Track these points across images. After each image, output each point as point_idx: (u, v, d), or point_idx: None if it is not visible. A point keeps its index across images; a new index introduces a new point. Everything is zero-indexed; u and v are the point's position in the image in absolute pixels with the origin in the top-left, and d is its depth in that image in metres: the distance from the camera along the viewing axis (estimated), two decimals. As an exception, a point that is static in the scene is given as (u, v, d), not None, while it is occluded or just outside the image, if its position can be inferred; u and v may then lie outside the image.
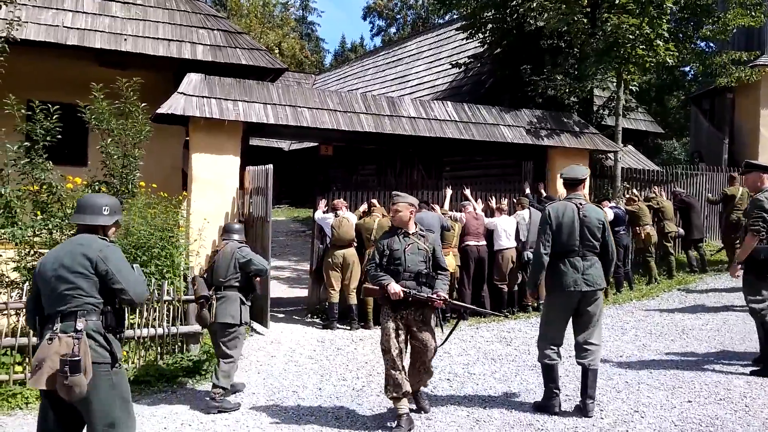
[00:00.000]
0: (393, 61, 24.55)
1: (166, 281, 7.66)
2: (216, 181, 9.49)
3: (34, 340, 5.85)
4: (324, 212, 9.73)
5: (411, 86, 20.72)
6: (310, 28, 59.23)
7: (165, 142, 10.81)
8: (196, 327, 7.19)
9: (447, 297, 5.37)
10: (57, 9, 10.90)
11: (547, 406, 5.72)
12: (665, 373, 6.78)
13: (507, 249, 9.97)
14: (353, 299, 9.22)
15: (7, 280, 7.35)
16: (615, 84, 13.57)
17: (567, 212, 5.70)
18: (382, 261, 5.37)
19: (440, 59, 20.46)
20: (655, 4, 12.06)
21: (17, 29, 8.57)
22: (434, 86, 19.22)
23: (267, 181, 8.83)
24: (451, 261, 9.00)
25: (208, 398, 6.02)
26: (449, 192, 10.62)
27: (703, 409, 5.69)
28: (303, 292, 10.97)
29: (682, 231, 12.67)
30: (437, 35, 22.78)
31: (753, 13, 13.79)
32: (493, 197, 10.87)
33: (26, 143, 8.00)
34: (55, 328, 3.76)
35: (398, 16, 56.85)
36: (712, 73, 16.40)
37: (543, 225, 5.84)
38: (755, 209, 6.58)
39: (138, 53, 10.97)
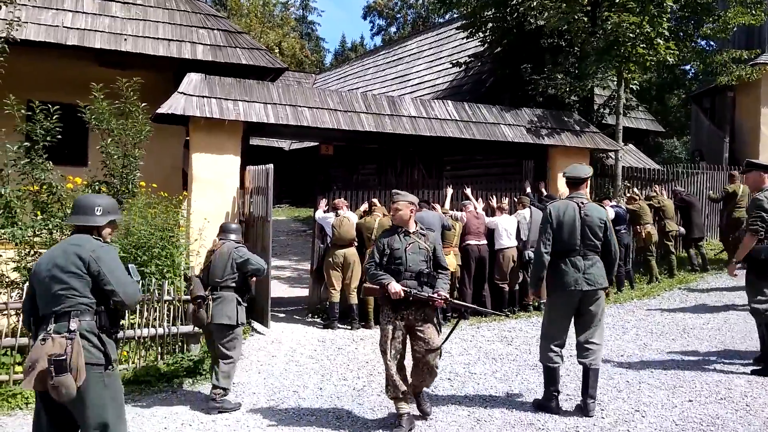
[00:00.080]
0: (393, 61, 24.53)
1: (167, 281, 7.66)
2: (216, 181, 9.48)
3: (35, 340, 5.84)
4: (325, 212, 9.73)
5: (411, 85, 20.71)
6: (310, 27, 59.22)
7: (165, 142, 10.81)
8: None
9: (448, 296, 5.31)
10: (57, 9, 10.90)
11: (546, 406, 5.72)
12: (666, 373, 6.77)
13: (508, 248, 9.96)
14: (354, 299, 9.22)
15: (7, 280, 7.35)
16: (615, 83, 13.56)
17: (568, 211, 5.69)
18: (382, 260, 5.30)
19: (440, 58, 20.44)
20: (655, 2, 12.04)
21: (17, 29, 8.56)
22: (435, 85, 19.21)
23: (267, 180, 8.83)
24: (452, 260, 9.00)
25: (209, 398, 6.03)
26: (450, 191, 10.61)
27: (704, 409, 5.68)
28: (304, 292, 10.97)
29: (682, 230, 12.66)
30: (437, 34, 22.76)
31: (753, 12, 13.77)
32: (494, 196, 10.86)
33: (26, 143, 8.01)
34: (48, 329, 3.75)
35: (398, 16, 56.86)
36: (712, 72, 16.39)
37: (544, 224, 5.84)
38: (755, 209, 6.58)
39: (138, 53, 10.97)
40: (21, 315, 6.40)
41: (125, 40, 10.99)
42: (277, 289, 11.38)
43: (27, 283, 4.40)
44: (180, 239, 8.63)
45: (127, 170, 8.81)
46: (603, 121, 15.14)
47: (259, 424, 5.61)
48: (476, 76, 17.21)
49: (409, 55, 23.44)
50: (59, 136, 8.14)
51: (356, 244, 9.34)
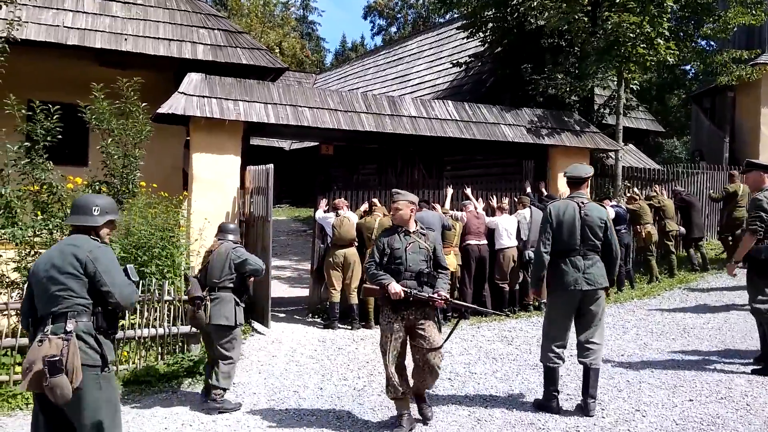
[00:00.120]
0: (393, 61, 24.54)
1: (167, 281, 7.66)
2: (217, 181, 9.48)
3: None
4: (325, 212, 9.73)
5: (412, 85, 20.71)
6: (311, 27, 59.26)
7: (165, 141, 10.81)
8: (196, 327, 7.19)
9: (448, 297, 5.28)
10: (57, 9, 10.90)
11: (546, 405, 5.72)
12: (666, 372, 6.77)
13: (508, 248, 9.96)
14: (354, 299, 9.22)
15: (7, 280, 7.35)
16: (616, 83, 13.56)
17: (568, 211, 5.69)
18: (382, 260, 5.26)
19: (441, 58, 20.44)
20: (655, 2, 12.05)
21: (18, 29, 8.57)
22: (435, 85, 19.21)
23: (268, 180, 8.83)
24: (452, 260, 9.00)
25: (202, 399, 6.02)
26: (450, 191, 10.61)
27: (704, 408, 5.68)
28: (304, 292, 10.97)
29: (683, 230, 12.66)
30: (438, 34, 22.77)
31: (753, 12, 13.77)
32: (494, 196, 10.86)
33: (27, 143, 8.00)
34: (45, 330, 3.74)
35: (399, 16, 56.90)
36: (712, 72, 16.38)
37: (543, 224, 5.85)
38: (754, 209, 6.59)
39: (138, 53, 10.97)
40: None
41: (126, 39, 10.99)
42: (278, 289, 11.38)
43: (26, 284, 4.38)
44: (180, 239, 8.64)
45: (128, 170, 8.81)
46: (603, 121, 15.15)
47: (260, 424, 5.61)
48: (476, 76, 17.22)
49: (410, 55, 23.45)
50: (59, 136, 8.14)
51: (356, 244, 9.34)
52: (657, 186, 13.38)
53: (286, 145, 26.44)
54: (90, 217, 4.04)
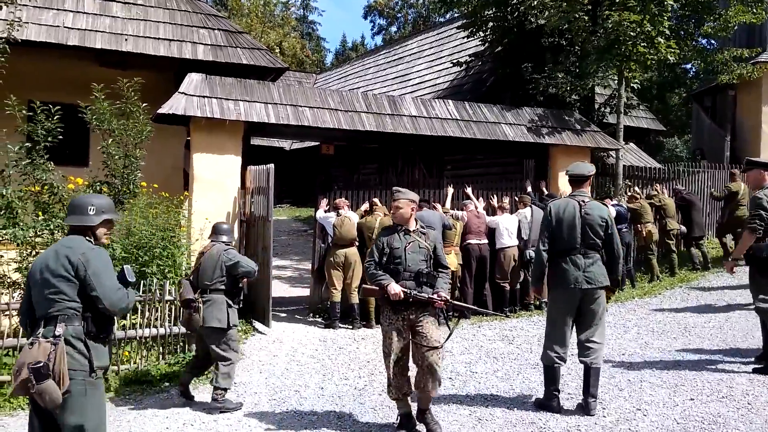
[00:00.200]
0: (394, 60, 24.52)
1: (168, 281, 7.66)
2: (217, 181, 9.49)
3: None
4: (326, 211, 9.74)
5: (412, 85, 20.71)
6: (311, 27, 59.24)
7: (166, 142, 10.82)
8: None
9: (448, 297, 5.20)
10: (58, 9, 10.90)
11: (547, 405, 5.72)
12: (668, 371, 6.77)
13: (509, 247, 9.97)
14: (355, 298, 9.22)
15: (8, 280, 7.35)
16: (616, 81, 13.55)
17: (568, 209, 5.69)
18: (381, 259, 5.20)
19: (441, 58, 20.43)
20: (656, 1, 12.04)
21: (18, 30, 8.58)
22: (435, 85, 19.21)
23: (268, 180, 8.83)
24: (452, 259, 9.00)
25: (185, 393, 6.05)
26: (450, 190, 10.62)
27: (705, 407, 5.68)
28: (305, 292, 10.98)
29: (683, 228, 12.65)
30: (438, 34, 22.75)
31: (754, 10, 13.76)
32: (495, 196, 10.85)
33: (27, 144, 8.02)
34: (37, 333, 3.72)
35: (399, 15, 56.87)
36: (713, 71, 16.38)
37: (543, 222, 5.86)
38: (754, 207, 6.59)
39: (139, 53, 10.97)
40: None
41: (126, 40, 11.00)
42: (279, 289, 11.39)
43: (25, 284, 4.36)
44: (181, 239, 8.65)
45: (128, 170, 8.82)
46: (604, 120, 15.14)
47: (261, 423, 5.61)
48: (477, 75, 17.22)
49: (410, 55, 23.43)
50: (60, 137, 8.15)
51: (357, 243, 9.35)
52: (658, 185, 13.37)
53: (286, 145, 26.44)
54: (86, 216, 3.98)
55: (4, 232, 7.33)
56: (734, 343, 7.85)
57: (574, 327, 5.79)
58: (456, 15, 21.53)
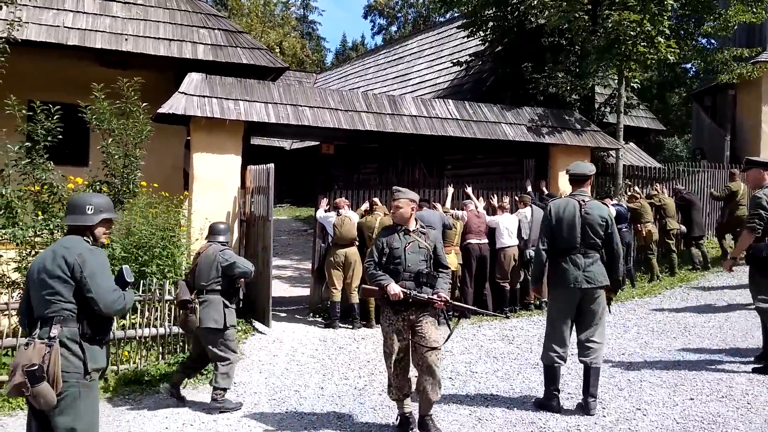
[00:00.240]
0: (394, 60, 24.52)
1: (168, 281, 7.66)
2: (217, 181, 9.49)
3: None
4: (326, 211, 9.73)
5: (412, 85, 20.71)
6: (311, 27, 59.26)
7: (166, 141, 10.81)
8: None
9: (448, 298, 5.15)
10: (58, 9, 10.90)
11: (547, 404, 5.72)
12: (667, 371, 6.77)
13: (509, 247, 9.96)
14: (355, 298, 9.22)
15: (8, 280, 7.36)
16: (616, 81, 13.55)
17: (568, 209, 5.70)
18: (381, 259, 5.16)
19: (441, 57, 20.43)
20: (656, 0, 12.03)
21: (18, 30, 8.57)
22: (435, 84, 19.21)
23: (268, 180, 8.83)
24: (453, 259, 9.00)
25: (174, 391, 6.05)
26: (451, 190, 10.61)
27: (705, 407, 5.68)
28: (305, 291, 10.98)
29: (683, 228, 12.65)
30: (438, 33, 22.75)
31: (754, 10, 13.75)
32: (495, 195, 10.85)
33: (27, 144, 8.01)
34: (34, 334, 3.71)
35: (399, 15, 56.88)
36: (713, 70, 16.37)
37: (543, 221, 5.87)
38: (753, 206, 6.60)
39: (139, 53, 10.97)
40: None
41: (126, 40, 10.99)
42: (279, 289, 11.39)
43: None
44: (181, 239, 8.65)
45: (128, 170, 8.82)
46: (604, 120, 15.14)
47: (261, 423, 5.61)
48: (477, 75, 17.22)
49: (410, 55, 23.43)
50: (60, 137, 8.15)
51: (357, 243, 9.35)
52: (658, 184, 13.36)
53: (286, 144, 26.45)
54: (84, 216, 3.94)
55: (3, 231, 7.33)
56: (734, 342, 7.85)
57: (574, 327, 5.79)
58: (456, 15, 21.54)
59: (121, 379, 6.70)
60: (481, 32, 15.80)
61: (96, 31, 10.89)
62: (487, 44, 16.14)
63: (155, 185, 8.87)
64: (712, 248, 13.77)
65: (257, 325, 8.91)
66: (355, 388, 6.53)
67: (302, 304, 10.50)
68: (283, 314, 9.86)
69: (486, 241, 9.90)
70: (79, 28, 10.78)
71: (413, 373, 5.24)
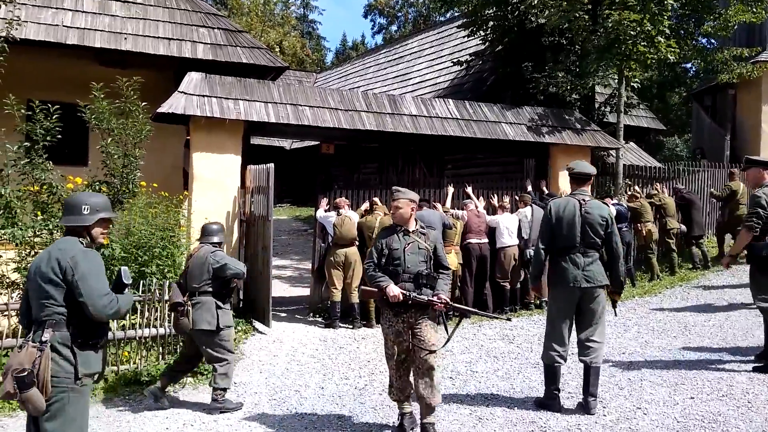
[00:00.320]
0: (394, 59, 24.52)
1: (167, 281, 7.65)
2: (217, 181, 9.48)
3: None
4: (326, 211, 9.73)
5: (412, 84, 20.70)
6: (311, 26, 59.29)
7: (166, 141, 10.81)
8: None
9: (448, 299, 5.06)
10: (57, 8, 10.89)
11: (548, 404, 5.72)
12: (668, 370, 6.77)
13: (509, 246, 9.95)
14: (355, 298, 9.21)
15: (7, 281, 7.34)
16: (616, 81, 13.54)
17: (568, 208, 5.69)
18: (380, 261, 5.09)
19: (442, 57, 20.43)
20: (656, 0, 12.03)
21: (17, 29, 8.56)
22: (436, 84, 19.21)
23: (268, 180, 8.82)
24: (453, 259, 8.99)
25: (161, 396, 6.02)
26: (451, 190, 10.60)
27: (705, 406, 5.67)
28: (305, 291, 10.97)
29: (683, 227, 12.65)
30: (438, 33, 22.75)
31: (754, 9, 13.75)
32: (495, 195, 10.84)
33: (26, 143, 8.00)
34: (28, 336, 3.67)
35: (399, 14, 56.91)
36: (713, 70, 16.37)
37: (543, 220, 5.88)
38: (752, 205, 6.61)
39: (138, 52, 10.95)
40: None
41: (125, 39, 10.98)
42: (279, 289, 11.39)
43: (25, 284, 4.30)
44: (181, 239, 8.63)
45: (128, 170, 8.80)
46: (604, 120, 15.13)
47: (261, 423, 5.61)
48: (477, 74, 17.22)
49: (410, 54, 23.43)
50: (59, 136, 8.13)
51: (357, 243, 9.34)
52: (658, 184, 13.36)
53: (286, 144, 26.45)
54: (80, 216, 3.85)
55: (2, 232, 7.32)
56: (734, 341, 7.85)
57: (574, 326, 5.78)
58: (456, 14, 21.53)
59: (121, 380, 6.69)
60: (481, 32, 15.79)
61: (95, 30, 10.88)
62: (487, 44, 16.13)
63: (155, 185, 8.85)
64: (712, 247, 13.76)
65: (257, 325, 8.90)
66: (355, 387, 6.53)
67: (302, 304, 10.50)
68: (284, 314, 9.85)
69: (486, 240, 9.89)
70: (78, 27, 10.77)
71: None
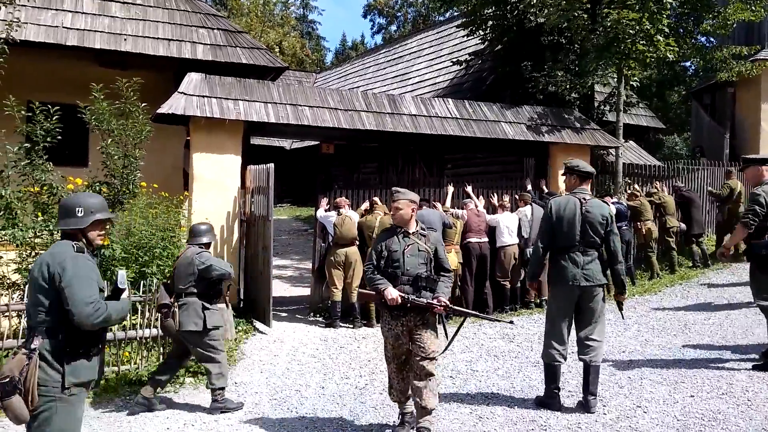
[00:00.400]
0: (394, 59, 24.51)
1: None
2: (217, 181, 9.49)
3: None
4: (326, 210, 9.73)
5: (412, 84, 20.70)
6: (311, 26, 59.35)
7: (166, 141, 10.82)
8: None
9: (448, 302, 4.96)
10: (56, 10, 10.90)
11: (548, 403, 5.72)
12: (668, 369, 6.77)
13: (509, 245, 9.96)
14: (355, 297, 9.21)
15: (8, 281, 7.35)
16: (616, 80, 13.55)
17: (569, 206, 5.70)
18: (379, 263, 5.02)
19: (441, 56, 20.44)
20: (654, -1, 12.05)
21: (17, 30, 8.57)
22: (435, 84, 19.21)
23: (268, 180, 8.83)
24: (453, 258, 9.00)
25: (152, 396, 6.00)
26: (451, 189, 10.61)
27: (705, 404, 5.68)
28: (305, 291, 10.98)
29: (683, 226, 12.65)
30: (438, 33, 22.75)
31: (753, 8, 13.74)
32: (495, 194, 10.85)
33: (26, 144, 8.01)
34: (20, 342, 3.63)
35: (399, 14, 56.96)
36: (712, 68, 16.38)
37: (543, 218, 5.90)
38: (750, 202, 6.64)
39: (138, 53, 10.97)
40: (24, 316, 6.43)
41: (125, 40, 11.00)
42: (279, 289, 11.39)
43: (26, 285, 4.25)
44: (181, 239, 8.62)
45: (128, 170, 8.81)
46: (603, 118, 15.13)
47: (262, 423, 5.61)
48: (477, 74, 17.22)
49: (410, 54, 23.43)
50: (59, 137, 8.15)
51: (358, 242, 9.35)
52: (657, 182, 13.36)
53: (286, 144, 26.45)
54: (74, 219, 3.70)
55: (3, 233, 7.33)
56: (734, 340, 7.86)
57: (574, 325, 5.79)
58: (456, 14, 21.55)
59: (122, 380, 6.69)
60: (480, 31, 15.80)
61: (95, 31, 10.89)
62: (486, 43, 16.14)
63: (155, 185, 8.86)
64: (712, 246, 13.76)
65: (258, 325, 8.91)
66: (356, 387, 6.53)
67: (303, 303, 10.51)
68: (284, 314, 9.86)
69: (486, 239, 9.90)
70: (78, 29, 10.79)
71: None
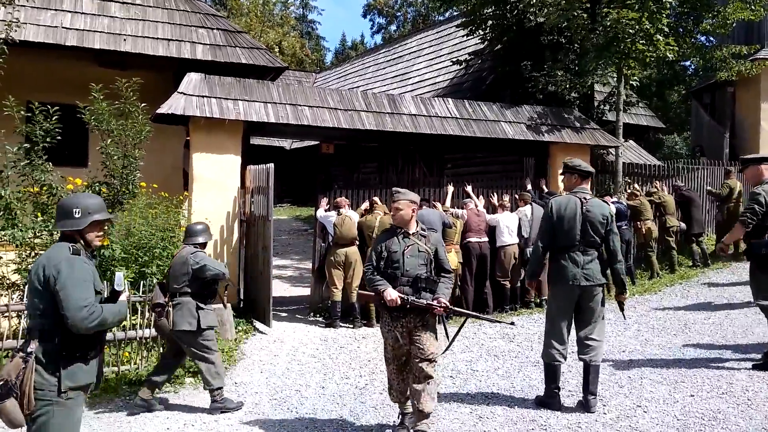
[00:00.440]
0: (393, 59, 24.51)
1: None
2: (217, 181, 9.49)
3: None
4: (326, 210, 9.73)
5: (412, 84, 20.69)
6: (311, 26, 59.34)
7: (165, 142, 10.82)
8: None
9: (448, 303, 4.92)
10: (56, 10, 10.89)
11: (548, 402, 5.72)
12: (668, 368, 6.77)
13: (509, 245, 9.97)
14: (355, 297, 9.21)
15: (8, 282, 7.35)
16: (615, 79, 13.55)
17: (569, 206, 5.70)
18: (379, 264, 5.00)
19: (441, 56, 20.43)
20: (654, -2, 12.05)
21: (16, 30, 8.56)
22: (435, 83, 19.20)
23: (268, 180, 8.82)
24: (453, 258, 9.01)
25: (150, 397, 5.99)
26: (450, 189, 10.61)
27: (705, 403, 5.68)
28: (305, 291, 10.98)
29: (683, 225, 12.65)
30: (438, 32, 22.74)
31: (753, 7, 13.74)
32: (495, 194, 10.85)
33: (26, 145, 8.00)
34: (20, 344, 3.56)
35: (398, 14, 56.95)
36: (712, 68, 16.38)
37: (543, 218, 5.90)
38: (749, 201, 6.66)
39: (137, 53, 10.96)
40: (24, 317, 6.44)
41: (124, 40, 10.99)
42: (279, 289, 11.39)
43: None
44: (181, 240, 8.63)
45: (128, 171, 8.81)
46: (603, 118, 15.13)
47: (262, 423, 5.61)
48: (476, 73, 17.22)
49: (410, 54, 23.42)
50: (59, 137, 8.14)
51: (358, 242, 9.35)
52: (657, 182, 13.36)
53: (286, 144, 26.45)
54: (71, 220, 3.64)
55: (3, 233, 7.33)
56: (734, 339, 7.86)
57: (574, 324, 5.79)
58: (455, 13, 21.53)
59: (122, 380, 6.70)
60: (480, 31, 15.79)
61: (94, 31, 10.89)
62: (486, 43, 16.14)
63: (155, 185, 8.86)
64: (712, 245, 13.76)
65: (258, 325, 8.91)
66: (356, 387, 6.53)
67: (303, 303, 10.50)
68: (284, 314, 9.86)
69: (486, 239, 9.91)
70: (77, 29, 10.78)
71: None
